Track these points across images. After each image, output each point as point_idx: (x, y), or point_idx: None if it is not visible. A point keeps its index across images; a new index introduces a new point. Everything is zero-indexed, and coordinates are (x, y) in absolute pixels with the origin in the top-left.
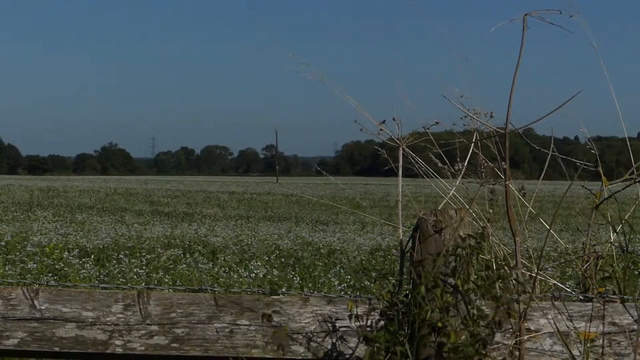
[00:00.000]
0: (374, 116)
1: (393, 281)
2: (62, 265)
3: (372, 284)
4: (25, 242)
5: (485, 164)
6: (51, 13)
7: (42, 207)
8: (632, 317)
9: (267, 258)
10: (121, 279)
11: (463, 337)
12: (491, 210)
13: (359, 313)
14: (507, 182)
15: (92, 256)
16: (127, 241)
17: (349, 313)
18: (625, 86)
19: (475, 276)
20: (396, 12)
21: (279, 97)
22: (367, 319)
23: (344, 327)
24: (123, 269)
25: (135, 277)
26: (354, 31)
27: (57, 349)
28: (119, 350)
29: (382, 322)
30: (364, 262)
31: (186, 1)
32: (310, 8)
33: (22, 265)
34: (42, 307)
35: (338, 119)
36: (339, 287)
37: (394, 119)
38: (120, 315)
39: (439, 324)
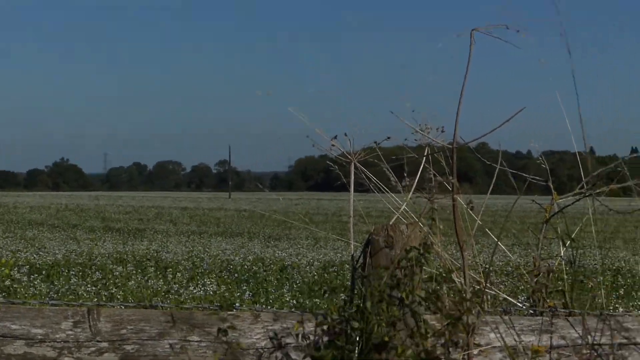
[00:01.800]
0: (327, 132)
1: (344, 296)
2: (11, 282)
3: (322, 299)
4: None
5: (434, 179)
6: None
7: None
8: (577, 332)
9: (219, 274)
10: (71, 296)
11: (410, 351)
12: (441, 226)
13: (310, 328)
14: (454, 196)
15: (42, 273)
16: (77, 257)
17: (295, 332)
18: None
19: (422, 289)
20: (347, 29)
21: (233, 112)
22: (315, 336)
23: (294, 343)
24: (73, 285)
25: (85, 293)
26: (305, 47)
27: None
28: None
29: (330, 337)
30: (316, 277)
31: (137, 15)
32: (265, 23)
33: None
34: None
35: (291, 134)
36: (291, 303)
37: (345, 135)
38: (70, 332)
39: (386, 338)
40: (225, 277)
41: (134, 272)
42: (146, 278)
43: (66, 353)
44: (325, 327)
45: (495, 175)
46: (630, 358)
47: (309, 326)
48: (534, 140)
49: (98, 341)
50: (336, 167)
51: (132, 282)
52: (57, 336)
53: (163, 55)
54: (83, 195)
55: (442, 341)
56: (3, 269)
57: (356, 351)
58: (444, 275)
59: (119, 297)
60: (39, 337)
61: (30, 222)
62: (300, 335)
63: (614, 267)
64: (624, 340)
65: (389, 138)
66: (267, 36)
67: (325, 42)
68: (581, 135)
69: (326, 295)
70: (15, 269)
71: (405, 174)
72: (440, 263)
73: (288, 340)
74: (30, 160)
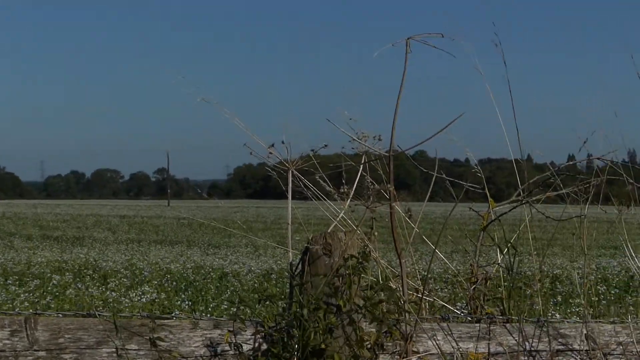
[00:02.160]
0: (266, 139)
1: (283, 304)
2: None
3: (264, 308)
4: None
5: (372, 187)
6: None
7: None
8: (514, 338)
9: (158, 282)
10: (8, 305)
11: (346, 358)
12: (376, 233)
13: (248, 336)
14: (391, 204)
15: None
16: (15, 266)
17: (236, 338)
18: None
19: (360, 297)
20: (288, 37)
21: (171, 120)
22: (254, 343)
23: (232, 351)
24: (10, 294)
25: (23, 302)
26: (245, 55)
27: None
28: None
29: (267, 345)
30: (256, 285)
31: (75, 25)
32: (200, 31)
33: None
34: None
35: (230, 142)
36: (231, 311)
37: (283, 142)
38: (7, 342)
39: (323, 346)
40: (165, 285)
41: (73, 280)
42: (85, 286)
43: None
44: (261, 335)
45: (432, 182)
46: None
47: (248, 334)
48: (469, 149)
49: (35, 350)
50: (274, 174)
51: (71, 290)
52: None
53: (100, 62)
54: (20, 203)
55: (376, 349)
56: None
57: (294, 359)
58: (381, 283)
59: (55, 305)
60: None
61: None
62: (232, 344)
63: (553, 274)
64: (561, 347)
65: (326, 146)
66: (206, 43)
67: (265, 51)
68: (518, 143)
69: (262, 303)
70: None
71: (343, 182)
72: (379, 271)
73: (226, 348)
74: None
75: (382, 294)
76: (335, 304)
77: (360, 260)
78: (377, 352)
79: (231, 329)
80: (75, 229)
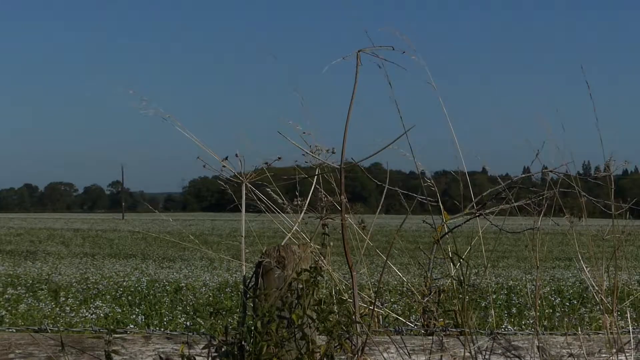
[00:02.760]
0: (220, 153)
1: (240, 319)
2: None
3: (212, 320)
4: None
5: (325, 199)
6: None
7: None
8: (468, 350)
9: (112, 296)
10: None
11: None
12: (331, 243)
13: (200, 350)
14: (343, 216)
15: None
16: None
17: (190, 352)
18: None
19: (313, 310)
20: (240, 50)
21: (125, 133)
22: (207, 356)
23: None
24: None
25: None
26: (199, 68)
27: None
28: None
29: (220, 358)
30: (211, 298)
31: (30, 36)
32: (155, 43)
33: None
34: None
35: (184, 155)
36: (185, 325)
37: (236, 155)
38: None
39: (275, 359)
40: (119, 299)
41: (25, 295)
42: (37, 301)
43: None
44: (214, 348)
45: (384, 195)
46: None
47: (201, 348)
48: (421, 162)
49: None
50: (228, 187)
51: (23, 305)
52: None
53: (53, 76)
54: None
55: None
56: None
57: None
58: (334, 296)
59: (7, 320)
60: None
61: None
62: (185, 357)
63: (507, 286)
64: (515, 358)
65: (279, 158)
66: (157, 55)
67: (217, 64)
68: (474, 155)
69: (216, 316)
70: None
71: (297, 194)
72: (333, 284)
73: None
74: None
75: (335, 307)
76: (288, 317)
77: (312, 274)
78: None
79: (185, 341)
80: (28, 243)
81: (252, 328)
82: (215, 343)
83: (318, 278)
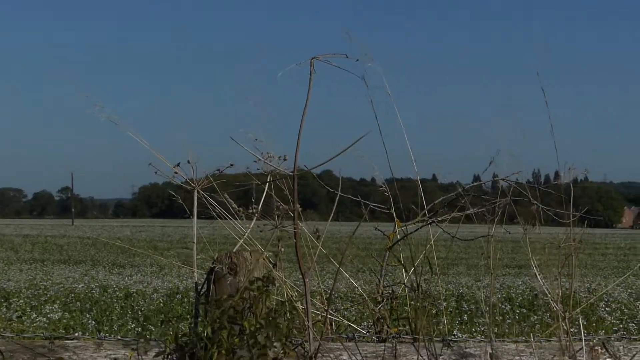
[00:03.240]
0: (171, 159)
1: (191, 327)
2: None
3: (168, 328)
4: None
5: (280, 206)
6: None
7: None
8: (422, 356)
9: (62, 302)
10: None
11: None
12: (282, 249)
13: (153, 357)
14: (296, 223)
15: None
16: None
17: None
18: (418, 129)
19: (264, 315)
20: (194, 54)
21: (75, 138)
22: None
23: None
24: None
25: None
26: (149, 71)
27: None
28: None
29: None
30: (161, 305)
31: None
32: (111, 43)
33: None
34: None
35: (135, 160)
36: (136, 330)
37: (188, 162)
38: None
39: None
40: (69, 305)
41: None
42: None
43: None
44: (164, 355)
45: (337, 201)
46: None
47: (153, 355)
48: (376, 168)
49: None
50: (177, 196)
51: None
52: None
53: (5, 80)
54: None
55: None
56: None
57: None
58: (284, 302)
59: None
60: None
61: None
62: None
63: (458, 293)
64: None
65: (231, 165)
66: (108, 56)
67: (169, 68)
68: (423, 163)
69: (167, 323)
70: None
71: (253, 201)
72: (284, 290)
73: None
74: None
75: (287, 314)
76: (240, 324)
77: (265, 283)
78: None
79: (134, 348)
80: None
81: (203, 335)
82: (165, 350)
83: (270, 287)
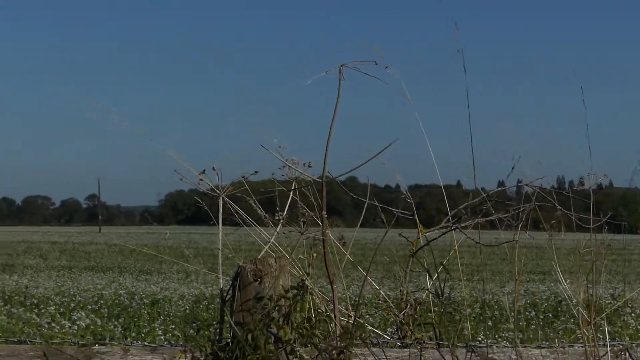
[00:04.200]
0: (196, 166)
1: (215, 334)
2: None
3: (196, 333)
4: None
5: (305, 213)
6: None
7: None
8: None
9: (90, 308)
10: None
11: None
12: (315, 254)
13: None
14: (324, 231)
15: None
16: None
17: None
18: (441, 135)
19: (299, 325)
20: (218, 62)
21: (101, 146)
22: None
23: None
24: None
25: None
26: (175, 79)
27: None
28: None
29: None
30: (187, 311)
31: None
32: (133, 54)
33: None
34: None
35: (161, 168)
36: (163, 337)
37: (213, 169)
38: None
39: None
40: (97, 311)
41: (4, 307)
42: (16, 313)
43: None
44: None
45: (365, 208)
46: None
47: None
48: (399, 175)
49: None
50: (203, 203)
51: (2, 317)
52: None
53: (30, 87)
54: None
55: None
56: None
57: None
58: (320, 310)
59: None
60: None
61: None
62: None
63: (482, 299)
64: None
65: (256, 172)
66: (139, 67)
67: (196, 76)
68: (448, 169)
69: (199, 331)
70: None
71: (277, 208)
72: (310, 298)
73: None
74: None
75: (319, 327)
76: (275, 333)
77: (300, 292)
78: None
79: (164, 354)
80: (5, 256)
81: (240, 340)
82: (201, 356)
83: (305, 296)
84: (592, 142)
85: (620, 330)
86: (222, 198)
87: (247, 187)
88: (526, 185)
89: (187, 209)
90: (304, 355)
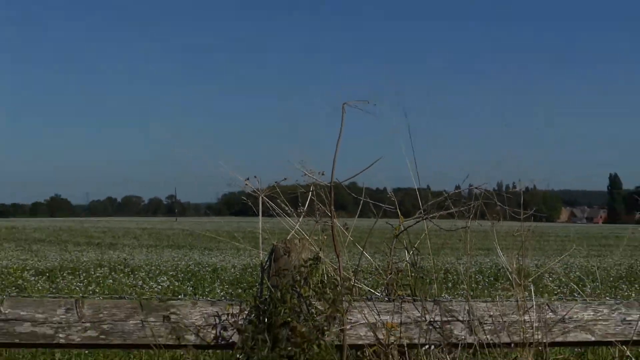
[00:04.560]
0: (242, 174)
1: (256, 292)
2: (22, 281)
3: (243, 291)
4: None
5: (319, 208)
6: None
7: (7, 240)
8: (419, 312)
9: (170, 274)
10: (65, 291)
11: (305, 328)
12: (325, 237)
13: (234, 312)
14: (332, 220)
15: (44, 275)
16: (69, 263)
17: (226, 312)
18: (416, 152)
19: (315, 286)
20: (253, 85)
21: (178, 158)
22: (239, 316)
23: (227, 321)
24: (67, 283)
25: (75, 289)
26: (233, 115)
27: (17, 340)
28: (62, 341)
29: (250, 317)
30: (237, 276)
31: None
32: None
33: None
34: (6, 312)
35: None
36: (221, 294)
37: (255, 177)
38: (63, 316)
39: (289, 319)
40: (174, 276)
41: (109, 273)
42: (118, 278)
43: (60, 331)
44: (244, 315)
45: (361, 204)
46: (454, 329)
47: (234, 310)
48: (387, 181)
49: (83, 322)
50: (248, 200)
51: (110, 280)
52: (54, 319)
53: (130, 100)
54: (72, 220)
55: (326, 319)
56: (15, 272)
57: (267, 335)
58: (328, 278)
59: (97, 290)
60: (41, 319)
61: (34, 239)
62: (229, 315)
63: (445, 268)
64: (451, 318)
65: (285, 179)
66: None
67: (250, 98)
68: (422, 177)
69: (246, 290)
70: (25, 272)
71: (300, 204)
72: (324, 266)
73: (216, 321)
74: (33, 194)
75: (330, 286)
76: (298, 291)
77: (314, 262)
78: (329, 322)
79: (222, 306)
80: (111, 238)
81: (273, 297)
82: (247, 307)
83: (318, 264)
84: (521, 155)
85: (541, 290)
86: (261, 197)
87: (278, 190)
88: (475, 188)
89: (237, 204)
90: (318, 306)
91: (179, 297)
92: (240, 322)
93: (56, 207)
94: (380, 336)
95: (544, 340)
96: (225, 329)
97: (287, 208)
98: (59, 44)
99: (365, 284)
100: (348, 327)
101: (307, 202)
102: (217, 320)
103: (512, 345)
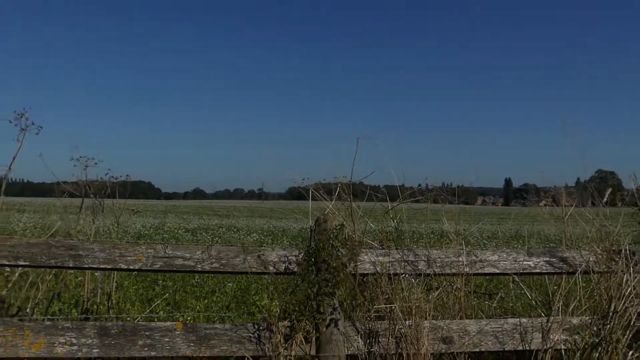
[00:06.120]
0: (299, 175)
1: (307, 243)
2: (178, 235)
3: (300, 242)
4: (165, 228)
5: (343, 196)
6: None
7: (169, 213)
8: (400, 255)
9: (259, 232)
10: (201, 241)
11: (334, 264)
12: (346, 213)
13: (295, 254)
14: (350, 203)
15: (190, 232)
16: (203, 225)
17: (291, 254)
18: (395, 159)
19: (341, 240)
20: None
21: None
22: (298, 256)
23: (291, 259)
24: (202, 236)
25: (207, 239)
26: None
27: (174, 269)
28: (198, 269)
29: (305, 257)
30: (296, 233)
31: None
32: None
33: (162, 236)
34: (169, 252)
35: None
36: (287, 244)
37: (308, 178)
38: (199, 255)
39: (326, 258)
40: (261, 233)
41: (226, 231)
42: (230, 234)
43: (198, 264)
44: (301, 256)
45: (367, 194)
46: (419, 265)
47: (295, 253)
48: (380, 180)
49: (210, 259)
50: (303, 191)
51: (227, 235)
52: (195, 257)
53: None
54: (206, 201)
55: (349, 258)
56: (174, 230)
57: (314, 267)
58: (346, 235)
59: (219, 240)
60: (187, 256)
61: (184, 212)
62: (293, 256)
63: (413, 230)
64: (417, 259)
65: (324, 179)
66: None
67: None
68: (400, 176)
69: (302, 242)
70: (179, 230)
71: (333, 194)
72: (346, 230)
73: (285, 260)
74: (184, 187)
75: (349, 240)
76: (331, 243)
77: (340, 227)
78: (349, 260)
79: (287, 250)
80: (226, 212)
81: (317, 247)
82: (303, 252)
83: (344, 227)
84: (457, 164)
85: (468, 243)
86: (311, 190)
87: (320, 185)
88: (431, 185)
89: (297, 193)
90: (342, 251)
91: (264, 245)
92: (299, 260)
93: (197, 194)
94: (377, 269)
95: (470, 272)
96: (290, 263)
97: (325, 196)
98: None
99: (369, 239)
100: (359, 263)
101: (337, 193)
102: (286, 259)
103: (452, 275)
